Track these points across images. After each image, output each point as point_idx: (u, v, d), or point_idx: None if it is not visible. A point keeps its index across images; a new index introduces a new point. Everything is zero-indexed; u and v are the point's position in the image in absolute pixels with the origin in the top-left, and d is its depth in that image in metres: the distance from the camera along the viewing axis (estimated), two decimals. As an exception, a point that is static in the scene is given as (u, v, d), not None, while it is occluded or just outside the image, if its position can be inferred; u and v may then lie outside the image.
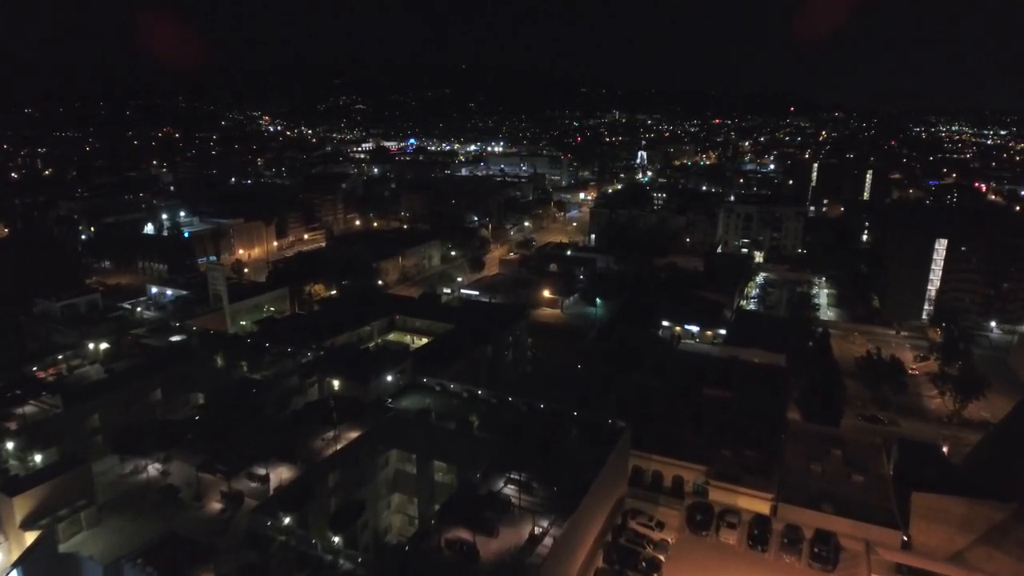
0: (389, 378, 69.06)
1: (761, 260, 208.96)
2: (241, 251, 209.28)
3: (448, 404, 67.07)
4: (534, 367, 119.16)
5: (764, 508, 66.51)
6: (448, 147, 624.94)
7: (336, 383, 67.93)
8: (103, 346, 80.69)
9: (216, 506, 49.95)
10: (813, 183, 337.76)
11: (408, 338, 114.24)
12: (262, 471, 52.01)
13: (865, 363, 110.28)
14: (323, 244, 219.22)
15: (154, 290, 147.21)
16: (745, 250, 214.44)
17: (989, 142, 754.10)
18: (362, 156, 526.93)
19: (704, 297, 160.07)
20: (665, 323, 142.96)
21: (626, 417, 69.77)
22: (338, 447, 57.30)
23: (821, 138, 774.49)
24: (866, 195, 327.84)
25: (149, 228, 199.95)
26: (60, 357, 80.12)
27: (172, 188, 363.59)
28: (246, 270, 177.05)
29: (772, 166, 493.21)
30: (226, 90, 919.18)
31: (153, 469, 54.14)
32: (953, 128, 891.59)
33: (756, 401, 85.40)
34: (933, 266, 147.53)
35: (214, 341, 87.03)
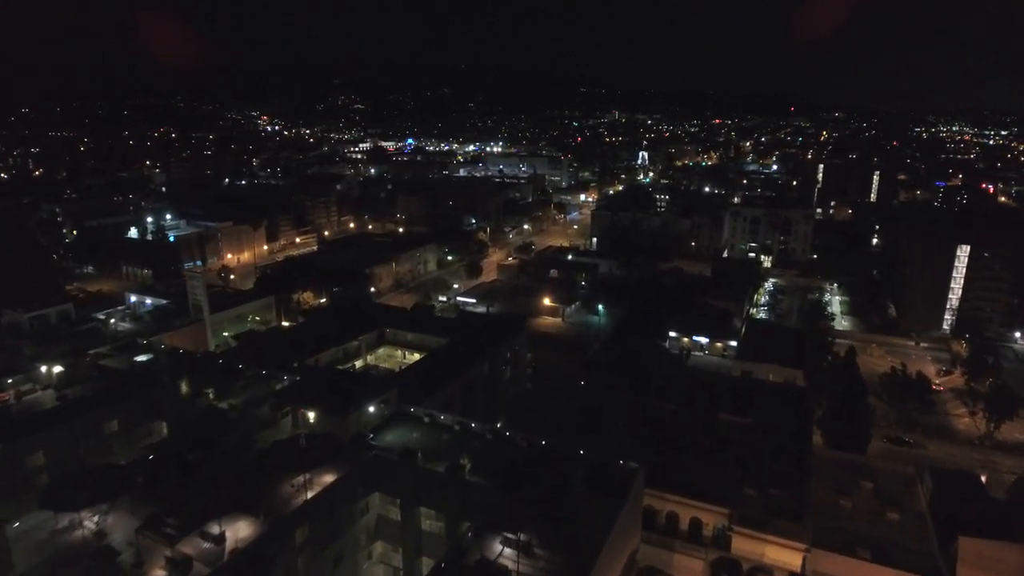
0: (371, 409, 61.34)
1: (769, 265, 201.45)
2: (229, 255, 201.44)
3: (437, 440, 59.35)
4: (535, 382, 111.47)
5: (795, 560, 58.83)
6: (447, 147, 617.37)
7: (312, 415, 60.23)
8: (56, 369, 72.96)
9: (160, 574, 42.28)
10: (819, 184, 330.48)
11: (399, 353, 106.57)
12: (216, 529, 44.32)
13: (889, 380, 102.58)
14: (315, 248, 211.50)
15: (133, 299, 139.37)
16: (752, 255, 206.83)
17: (991, 142, 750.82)
18: (359, 156, 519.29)
19: (712, 305, 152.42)
20: (672, 334, 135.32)
21: (636, 448, 62.24)
22: (309, 495, 49.62)
23: (822, 138, 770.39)
24: (873, 196, 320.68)
25: (133, 232, 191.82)
26: (10, 381, 72.37)
27: (164, 189, 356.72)
28: (232, 276, 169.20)
29: (775, 167, 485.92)
30: (226, 90, 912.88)
31: (90, 525, 46.46)
32: (953, 128, 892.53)
33: (777, 427, 77.81)
34: (954, 273, 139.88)
35: (183, 362, 79.23)
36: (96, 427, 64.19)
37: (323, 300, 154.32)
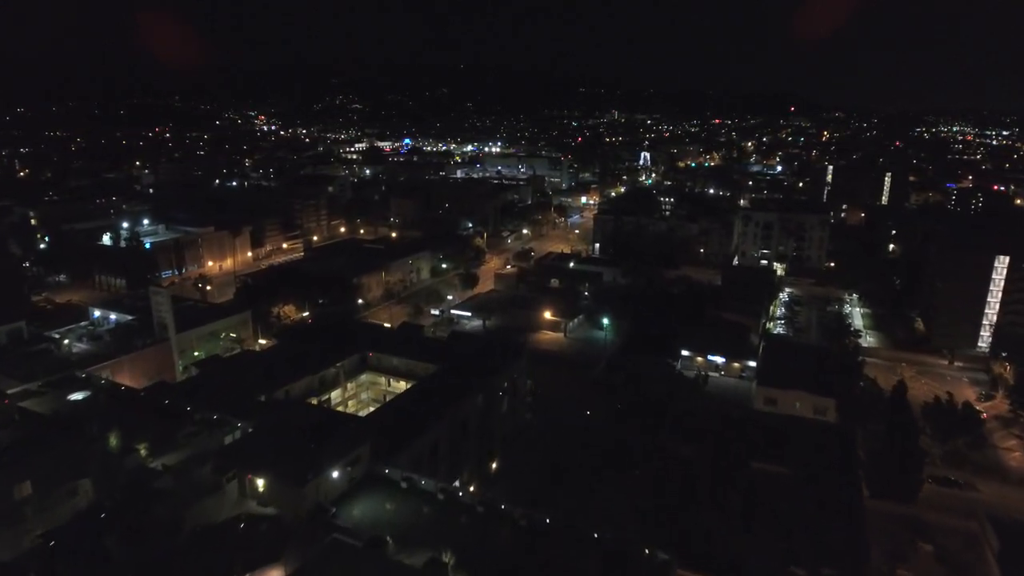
0: (336, 475, 50.08)
1: (782, 273, 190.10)
2: (211, 263, 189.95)
3: (416, 513, 48.12)
4: (534, 411, 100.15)
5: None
6: (444, 147, 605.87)
7: (261, 483, 49.01)
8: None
9: None
10: (828, 186, 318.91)
11: (383, 380, 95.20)
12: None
13: (934, 410, 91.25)
14: (302, 255, 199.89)
15: (96, 313, 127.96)
16: (764, 262, 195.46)
17: (994, 143, 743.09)
18: (354, 156, 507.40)
19: (726, 319, 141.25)
20: (684, 352, 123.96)
21: (655, 506, 51.17)
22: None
23: (823, 138, 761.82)
24: (884, 199, 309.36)
25: (107, 238, 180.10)
26: (-85, 428, 61.10)
27: (152, 191, 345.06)
28: (209, 287, 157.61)
29: (779, 167, 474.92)
30: (225, 90, 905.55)
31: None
32: (954, 129, 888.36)
33: (820, 479, 66.61)
34: (992, 287, 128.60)
35: (124, 402, 67.79)
36: (5, 490, 52.85)
37: (306, 313, 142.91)
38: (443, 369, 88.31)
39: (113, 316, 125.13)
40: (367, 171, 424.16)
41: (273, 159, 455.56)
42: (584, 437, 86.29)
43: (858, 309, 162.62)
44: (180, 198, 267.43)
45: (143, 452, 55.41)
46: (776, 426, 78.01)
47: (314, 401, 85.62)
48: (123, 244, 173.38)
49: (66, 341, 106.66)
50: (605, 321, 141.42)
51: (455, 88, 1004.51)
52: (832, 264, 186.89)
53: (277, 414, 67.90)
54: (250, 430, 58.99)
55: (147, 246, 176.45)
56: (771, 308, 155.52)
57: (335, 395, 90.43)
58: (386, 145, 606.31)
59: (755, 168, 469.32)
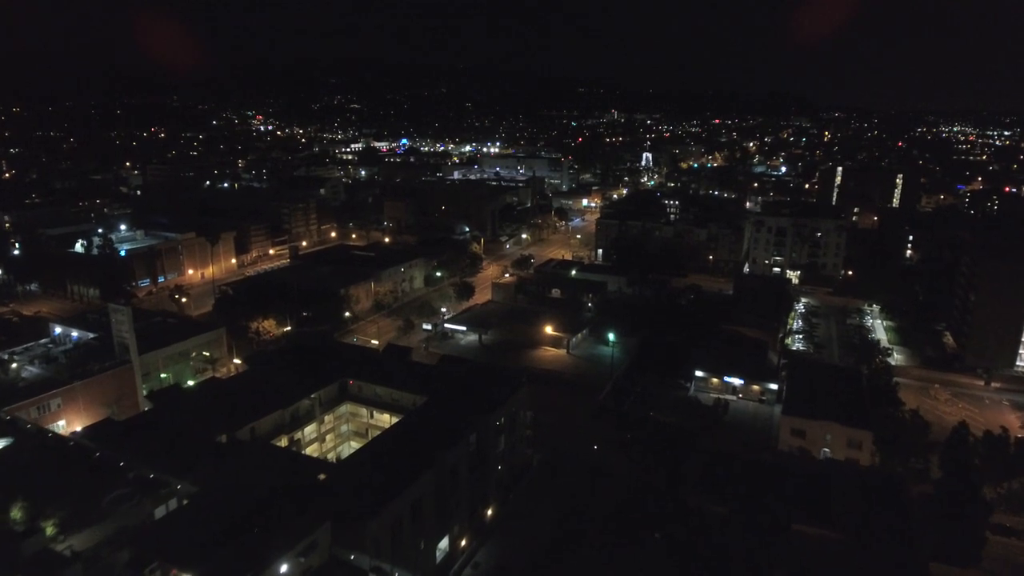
0: (285, 568, 39.73)
1: (796, 282, 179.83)
2: (191, 271, 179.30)
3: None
4: (535, 445, 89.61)
5: None
6: (442, 147, 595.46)
7: (189, 580, 38.75)
8: None
9: None
10: (837, 189, 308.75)
11: (364, 412, 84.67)
12: None
13: (990, 446, 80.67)
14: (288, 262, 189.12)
15: (58, 330, 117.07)
16: (777, 269, 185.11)
17: (997, 143, 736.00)
18: (350, 157, 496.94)
19: (741, 334, 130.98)
20: (698, 373, 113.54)
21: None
22: None
23: (826, 139, 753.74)
24: (896, 202, 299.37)
25: (79, 245, 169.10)
26: None
27: (139, 193, 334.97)
28: (184, 299, 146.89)
29: (783, 168, 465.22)
30: (225, 89, 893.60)
31: None
32: (955, 129, 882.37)
33: (875, 546, 56.17)
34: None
35: (51, 454, 57.28)
36: None
37: (287, 329, 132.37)
38: (432, 401, 77.89)
39: (75, 333, 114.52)
40: (362, 172, 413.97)
41: (267, 160, 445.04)
42: (592, 480, 75.93)
43: (880, 322, 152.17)
44: (167, 201, 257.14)
45: (51, 529, 44.91)
46: (814, 473, 67.54)
47: (284, 440, 75.27)
48: (95, 251, 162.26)
49: (14, 365, 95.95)
50: (611, 336, 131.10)
51: (454, 88, 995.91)
52: (850, 272, 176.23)
53: (231, 467, 57.37)
54: (186, 501, 48.35)
55: (122, 254, 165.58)
56: (788, 321, 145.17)
57: (309, 430, 80.00)
58: (383, 145, 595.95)
59: (759, 169, 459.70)
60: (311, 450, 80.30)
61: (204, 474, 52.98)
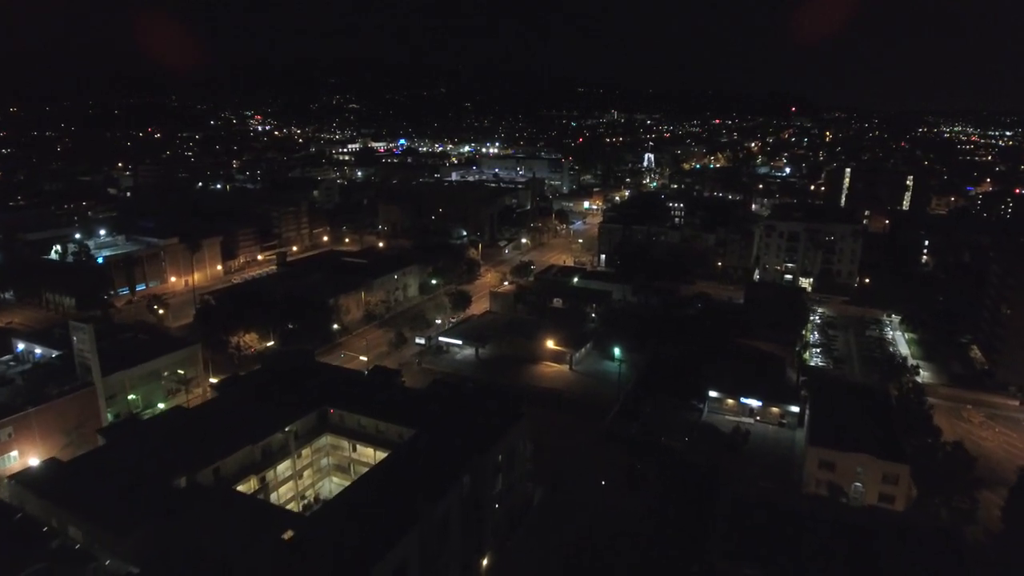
0: None
1: (808, 290, 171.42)
2: (174, 278, 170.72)
3: None
4: (536, 480, 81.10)
5: None
6: (440, 148, 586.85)
7: None
8: None
9: None
10: (845, 190, 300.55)
11: (346, 445, 76.14)
12: None
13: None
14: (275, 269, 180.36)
15: (21, 346, 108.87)
16: (789, 277, 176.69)
17: (1000, 143, 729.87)
18: (347, 158, 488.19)
19: (755, 348, 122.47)
20: (713, 393, 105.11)
21: None
22: None
23: (827, 139, 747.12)
24: (905, 204, 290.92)
25: (55, 251, 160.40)
26: None
27: (128, 194, 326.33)
28: (162, 311, 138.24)
29: (787, 169, 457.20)
30: (225, 88, 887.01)
31: None
32: (956, 129, 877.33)
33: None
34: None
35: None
36: None
37: (271, 344, 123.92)
38: (421, 435, 69.44)
39: (39, 350, 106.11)
40: (359, 173, 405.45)
41: (262, 161, 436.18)
42: (601, 527, 67.53)
43: (900, 333, 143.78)
44: (156, 203, 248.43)
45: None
46: (857, 525, 59.08)
47: (253, 482, 66.82)
48: (70, 258, 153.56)
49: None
50: (616, 351, 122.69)
51: (453, 88, 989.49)
52: (867, 280, 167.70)
53: (184, 525, 48.92)
54: (131, 571, 40.02)
55: (100, 260, 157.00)
56: (804, 333, 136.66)
57: (283, 468, 71.45)
58: (380, 146, 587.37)
59: (763, 170, 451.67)
60: (286, 489, 71.93)
61: (147, 539, 44.64)
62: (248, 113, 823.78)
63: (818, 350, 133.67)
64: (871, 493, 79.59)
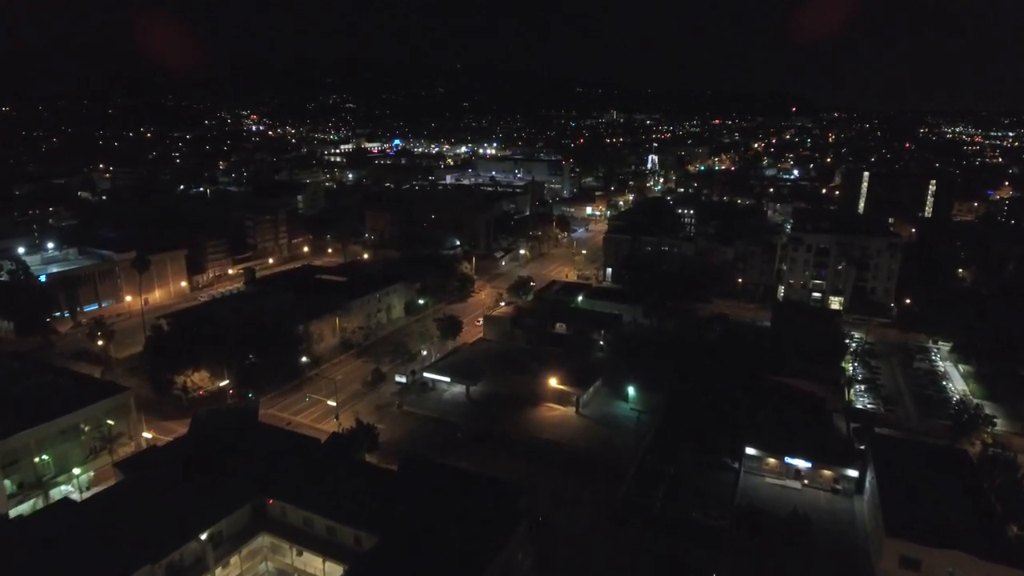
0: None
1: (840, 310, 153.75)
2: (130, 297, 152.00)
3: None
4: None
5: None
6: (436, 149, 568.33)
7: None
8: None
9: None
10: (864, 195, 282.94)
11: (288, 551, 57.89)
12: None
13: None
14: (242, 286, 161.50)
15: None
16: (817, 295, 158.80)
17: (1005, 144, 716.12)
18: (338, 159, 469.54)
19: (794, 388, 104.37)
20: (750, 451, 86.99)
21: None
22: None
23: (830, 140, 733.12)
24: (927, 210, 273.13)
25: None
26: None
27: (104, 198, 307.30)
28: (102, 341, 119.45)
29: (795, 171, 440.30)
30: (225, 88, 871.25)
31: None
32: (957, 129, 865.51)
33: None
34: None
35: None
36: None
37: (225, 383, 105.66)
38: (385, 548, 51.27)
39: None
40: (350, 175, 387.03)
41: (251, 162, 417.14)
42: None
43: (952, 364, 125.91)
44: (127, 208, 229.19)
45: None
46: None
47: (147, 620, 48.50)
48: (4, 276, 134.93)
49: None
50: (631, 393, 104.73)
51: (452, 87, 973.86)
52: (907, 300, 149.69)
53: None
54: None
55: (42, 279, 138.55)
56: (845, 367, 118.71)
57: (200, 589, 53.22)
58: (374, 146, 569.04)
59: (769, 172, 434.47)
60: (203, 615, 53.74)
61: None
62: (244, 112, 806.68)
63: (862, 387, 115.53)
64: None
